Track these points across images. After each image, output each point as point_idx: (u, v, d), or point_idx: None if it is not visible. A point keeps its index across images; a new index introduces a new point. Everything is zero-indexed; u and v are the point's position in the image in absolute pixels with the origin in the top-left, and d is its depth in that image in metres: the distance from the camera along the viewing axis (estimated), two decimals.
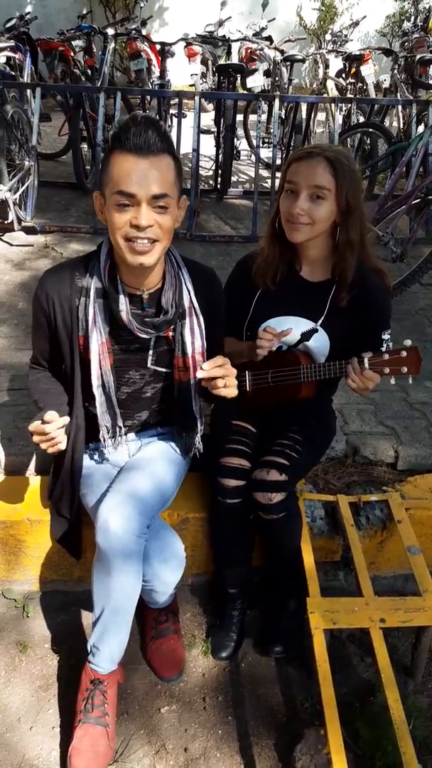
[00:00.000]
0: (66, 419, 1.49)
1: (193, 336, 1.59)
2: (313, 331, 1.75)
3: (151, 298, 1.54)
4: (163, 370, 1.64)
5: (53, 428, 1.44)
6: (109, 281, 1.49)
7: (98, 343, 1.53)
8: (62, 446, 1.50)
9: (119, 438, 1.70)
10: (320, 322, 1.74)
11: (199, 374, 1.42)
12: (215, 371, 1.41)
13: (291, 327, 1.76)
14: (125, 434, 1.74)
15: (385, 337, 1.73)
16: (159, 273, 1.52)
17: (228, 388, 1.45)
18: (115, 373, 1.59)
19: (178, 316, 1.56)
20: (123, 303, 1.49)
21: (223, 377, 1.42)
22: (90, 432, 1.68)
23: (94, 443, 1.74)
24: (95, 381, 1.56)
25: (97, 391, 1.57)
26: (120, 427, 1.68)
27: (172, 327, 1.58)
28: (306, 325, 1.76)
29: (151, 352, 1.60)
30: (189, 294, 1.57)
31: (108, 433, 1.66)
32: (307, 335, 1.76)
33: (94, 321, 1.51)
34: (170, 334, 1.59)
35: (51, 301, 1.52)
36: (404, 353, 1.55)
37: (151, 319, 1.53)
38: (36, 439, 1.46)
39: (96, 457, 1.76)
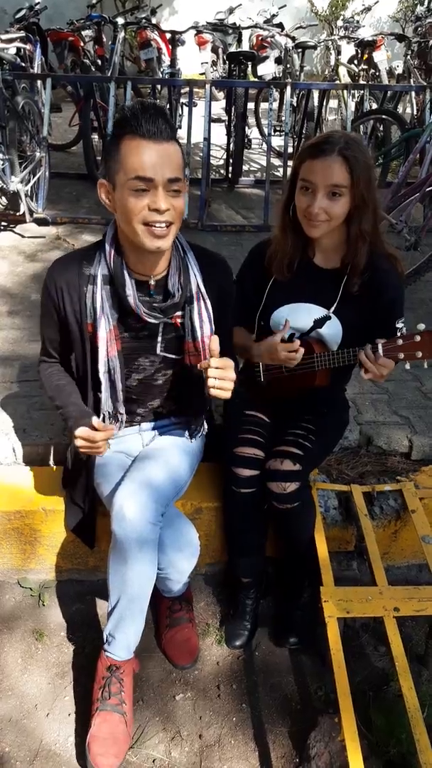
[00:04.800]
0: (113, 429, 1.54)
1: (202, 320, 1.59)
2: (326, 318, 1.74)
3: (158, 285, 1.54)
4: (173, 356, 1.64)
5: (101, 437, 1.49)
6: (116, 268, 1.50)
7: (106, 330, 1.53)
8: (103, 453, 1.55)
9: (121, 424, 1.71)
10: (333, 308, 1.73)
11: (203, 364, 1.45)
12: (214, 371, 1.44)
13: (303, 314, 1.76)
14: (139, 423, 1.75)
15: (399, 325, 1.72)
16: (167, 258, 1.53)
17: (218, 390, 1.46)
18: (124, 360, 1.60)
19: (185, 301, 1.57)
20: (130, 288, 1.50)
21: (217, 378, 1.44)
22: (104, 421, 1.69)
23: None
24: (101, 367, 1.57)
25: (103, 377, 1.58)
26: (122, 414, 1.68)
27: (180, 313, 1.58)
28: (319, 312, 1.75)
29: (159, 338, 1.61)
30: (196, 278, 1.57)
31: (108, 418, 1.67)
32: (319, 322, 1.75)
33: (102, 308, 1.52)
34: (178, 320, 1.59)
35: (60, 290, 1.53)
36: (418, 338, 1.54)
37: (159, 304, 1.54)
38: (80, 443, 1.49)
39: (110, 446, 1.77)
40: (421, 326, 1.54)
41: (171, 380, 1.69)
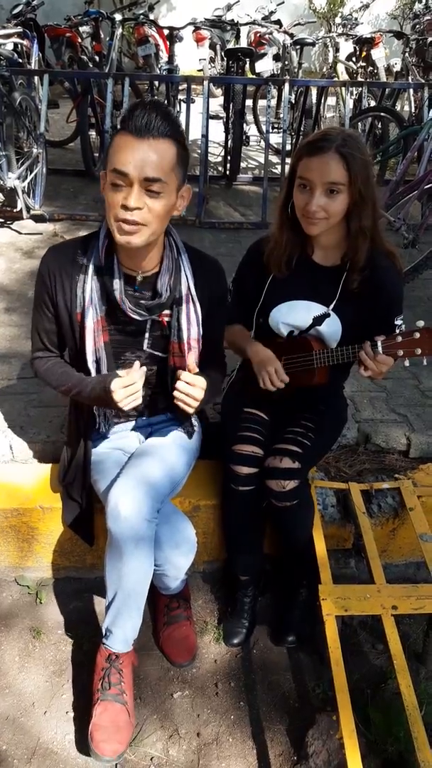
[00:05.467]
0: (143, 369, 1.50)
1: (189, 323, 1.59)
2: (325, 315, 1.74)
3: (147, 281, 1.53)
4: (160, 354, 1.64)
5: (138, 375, 1.47)
6: (106, 260, 1.50)
7: (93, 321, 1.53)
8: (140, 399, 1.51)
9: (111, 417, 1.71)
10: (332, 306, 1.73)
11: (178, 374, 1.49)
12: (182, 385, 1.47)
13: (302, 312, 1.75)
14: (135, 419, 1.74)
15: (398, 323, 1.72)
16: (155, 257, 1.51)
17: (181, 403, 1.50)
18: (111, 352, 1.59)
19: (173, 302, 1.56)
20: (117, 282, 1.50)
21: (182, 392, 1.48)
22: (101, 417, 1.69)
23: (104, 428, 1.74)
24: (89, 356, 1.56)
25: (92, 367, 1.58)
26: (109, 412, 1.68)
27: (168, 312, 1.58)
28: (318, 309, 1.74)
29: (146, 335, 1.60)
30: (187, 281, 1.56)
31: (99, 411, 1.67)
32: (318, 320, 1.75)
33: (90, 298, 1.52)
34: (165, 320, 1.59)
35: (53, 276, 1.52)
36: (417, 334, 1.54)
37: (146, 302, 1.53)
38: (122, 394, 1.46)
39: (107, 442, 1.76)
40: (420, 323, 1.54)
41: (157, 376, 1.69)
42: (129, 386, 1.46)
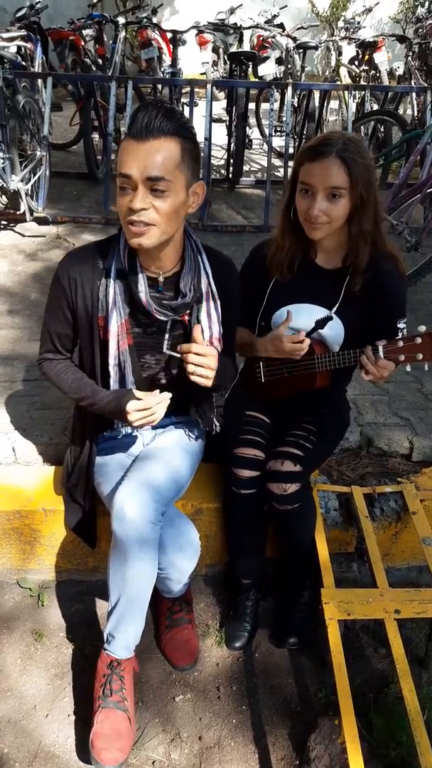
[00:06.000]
0: (167, 397, 1.53)
1: (210, 320, 1.59)
2: (328, 318, 1.74)
3: (168, 281, 1.54)
4: (178, 355, 1.64)
5: (155, 401, 1.50)
6: (129, 263, 1.50)
7: (117, 324, 1.53)
8: (157, 417, 1.54)
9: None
10: (335, 309, 1.73)
11: (182, 347, 1.50)
12: (194, 357, 1.48)
13: (305, 315, 1.75)
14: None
15: (401, 326, 1.71)
16: (174, 257, 1.52)
17: (197, 377, 1.51)
18: (136, 355, 1.60)
19: (195, 300, 1.56)
20: (142, 284, 1.50)
21: (196, 364, 1.48)
22: (105, 420, 1.68)
23: (108, 431, 1.75)
24: (112, 360, 1.56)
25: (113, 370, 1.58)
26: None
27: (188, 311, 1.58)
28: (320, 312, 1.75)
29: (167, 336, 1.60)
30: (208, 278, 1.57)
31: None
32: (321, 323, 1.75)
33: (114, 302, 1.52)
34: (186, 318, 1.59)
35: (74, 282, 1.52)
36: (419, 340, 1.54)
37: (169, 302, 1.53)
38: (136, 416, 1.50)
39: (111, 445, 1.76)
40: (422, 328, 1.54)
41: (174, 380, 1.69)
42: (144, 410, 1.49)
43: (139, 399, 1.51)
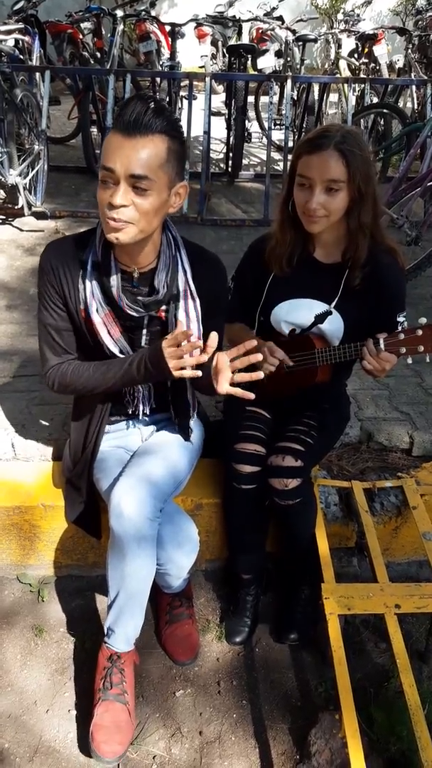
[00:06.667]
0: (199, 344, 1.38)
1: (189, 319, 1.56)
2: (327, 313, 1.73)
3: (143, 277, 1.52)
4: None
5: (182, 337, 1.37)
6: (103, 256, 1.48)
7: (101, 315, 1.51)
8: (188, 372, 1.41)
9: (151, 404, 1.70)
10: (334, 303, 1.72)
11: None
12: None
13: (304, 310, 1.74)
14: (137, 416, 1.73)
15: (400, 319, 1.71)
16: (151, 253, 1.49)
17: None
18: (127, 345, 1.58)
19: (170, 298, 1.54)
20: (114, 279, 1.48)
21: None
22: (109, 408, 1.68)
23: (108, 426, 1.74)
24: (113, 349, 1.54)
25: (119, 355, 1.56)
26: (138, 393, 1.67)
27: (164, 308, 1.55)
28: (320, 307, 1.74)
29: (144, 331, 1.58)
30: (185, 276, 1.54)
31: (145, 397, 1.67)
32: (321, 318, 1.74)
33: (92, 293, 1.50)
34: (163, 314, 1.57)
35: (57, 271, 1.50)
36: (420, 332, 1.53)
37: (143, 298, 1.51)
38: (169, 352, 1.39)
39: (109, 441, 1.76)
40: (423, 320, 1.54)
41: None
42: (176, 345, 1.38)
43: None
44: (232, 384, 1.41)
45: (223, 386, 1.41)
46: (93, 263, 1.50)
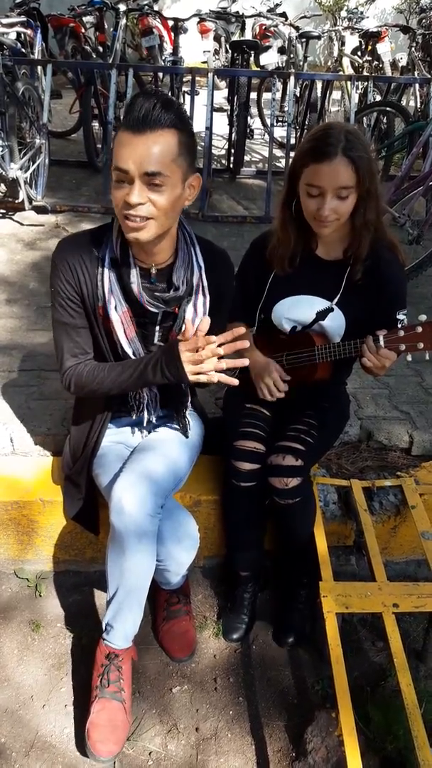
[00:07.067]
0: (219, 351, 1.36)
1: (196, 314, 1.56)
2: (329, 310, 1.73)
3: (161, 273, 1.51)
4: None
5: (203, 342, 1.35)
6: (122, 253, 1.48)
7: (119, 312, 1.50)
8: (205, 378, 1.39)
9: (151, 409, 1.69)
10: (336, 300, 1.72)
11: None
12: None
13: (306, 307, 1.74)
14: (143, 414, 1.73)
15: (401, 317, 1.70)
16: (168, 249, 1.49)
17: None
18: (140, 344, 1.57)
19: (187, 293, 1.54)
20: (134, 275, 1.47)
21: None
22: (110, 406, 1.68)
23: (110, 421, 1.73)
24: (128, 349, 1.53)
25: (132, 356, 1.55)
26: (157, 395, 1.67)
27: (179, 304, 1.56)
28: (321, 304, 1.73)
29: (157, 327, 1.58)
30: (200, 272, 1.54)
31: (139, 401, 1.66)
32: (322, 314, 1.74)
33: (110, 290, 1.49)
34: (177, 310, 1.57)
35: (73, 268, 1.48)
36: (420, 329, 1.53)
37: (161, 294, 1.51)
38: (186, 357, 1.38)
39: (109, 437, 1.75)
40: (423, 317, 1.54)
41: None
42: (193, 349, 1.37)
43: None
44: (218, 371, 1.40)
45: (210, 374, 1.39)
46: (111, 260, 1.49)
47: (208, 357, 1.37)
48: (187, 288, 1.52)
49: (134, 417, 1.71)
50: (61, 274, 1.49)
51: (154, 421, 1.72)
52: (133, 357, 1.54)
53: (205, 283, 1.55)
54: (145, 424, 1.73)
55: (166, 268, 1.51)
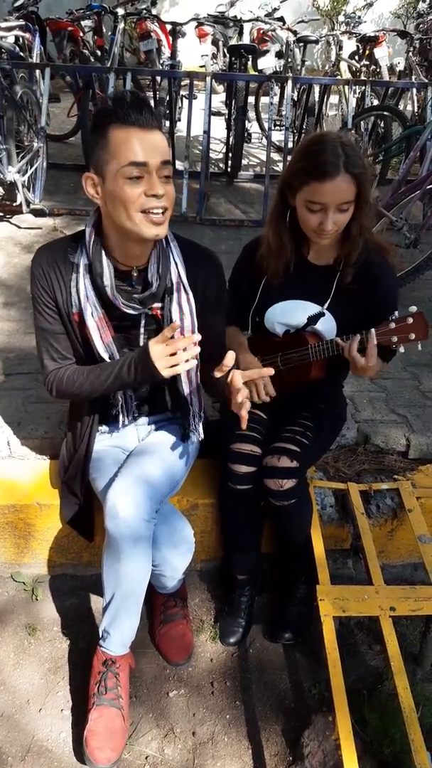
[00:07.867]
0: (194, 338, 1.35)
1: (182, 312, 1.54)
2: (320, 315, 1.74)
3: (140, 275, 1.51)
4: None
5: (180, 346, 1.36)
6: (94, 257, 1.47)
7: (95, 318, 1.50)
8: (181, 368, 1.39)
9: (133, 413, 1.69)
10: (326, 305, 1.72)
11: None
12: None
13: (298, 312, 1.75)
14: (136, 417, 1.73)
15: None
16: (151, 247, 1.49)
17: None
18: (119, 348, 1.56)
19: (165, 291, 1.52)
20: (108, 278, 1.46)
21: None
22: (103, 411, 1.67)
23: (104, 426, 1.74)
24: (104, 354, 1.53)
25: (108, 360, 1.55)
26: (131, 397, 1.66)
27: (159, 304, 1.54)
28: (313, 309, 1.74)
29: (142, 330, 1.57)
30: (177, 268, 1.53)
31: (123, 407, 1.65)
32: (313, 319, 1.75)
33: (86, 296, 1.49)
34: (158, 312, 1.55)
35: (48, 276, 1.49)
36: (410, 320, 1.55)
37: (138, 295, 1.51)
38: (160, 356, 1.38)
39: (106, 440, 1.75)
40: (413, 308, 1.55)
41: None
42: (170, 354, 1.38)
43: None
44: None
45: (240, 406, 1.42)
46: (85, 266, 1.49)
47: (181, 347, 1.36)
48: (161, 284, 1.50)
49: (118, 418, 1.69)
50: (37, 281, 1.50)
51: (128, 423, 1.71)
52: (109, 360, 1.54)
53: (185, 280, 1.54)
54: (120, 426, 1.72)
55: (144, 269, 1.51)
